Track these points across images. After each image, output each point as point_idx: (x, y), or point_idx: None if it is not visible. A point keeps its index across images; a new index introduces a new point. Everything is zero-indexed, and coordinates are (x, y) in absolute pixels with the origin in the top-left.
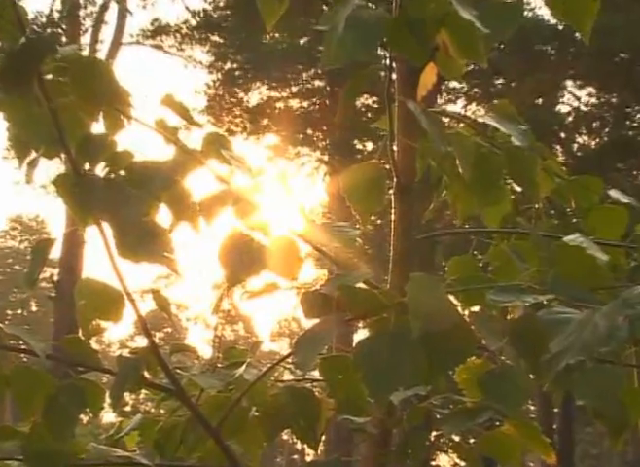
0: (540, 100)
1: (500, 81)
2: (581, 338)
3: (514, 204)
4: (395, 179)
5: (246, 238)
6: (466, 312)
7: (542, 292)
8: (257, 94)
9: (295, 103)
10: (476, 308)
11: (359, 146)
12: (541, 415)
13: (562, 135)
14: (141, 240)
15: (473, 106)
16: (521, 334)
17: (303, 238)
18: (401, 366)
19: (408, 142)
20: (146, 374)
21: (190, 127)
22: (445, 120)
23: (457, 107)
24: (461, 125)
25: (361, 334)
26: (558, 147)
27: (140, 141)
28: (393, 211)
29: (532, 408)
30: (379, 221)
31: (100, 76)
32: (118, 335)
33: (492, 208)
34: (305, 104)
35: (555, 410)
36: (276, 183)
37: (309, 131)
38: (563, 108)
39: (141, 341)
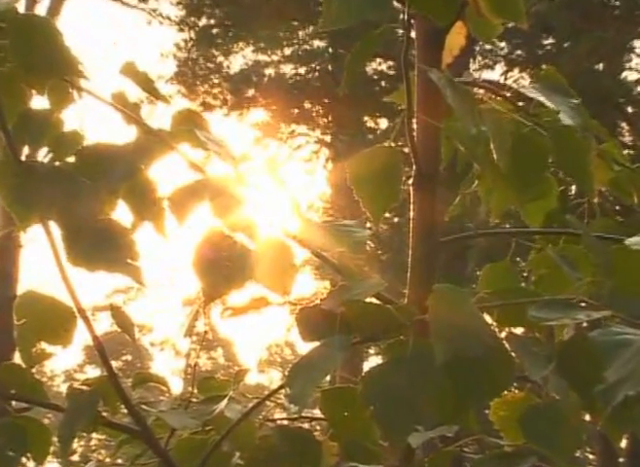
0: (600, 65)
1: (550, 41)
2: None
3: (561, 199)
4: (414, 167)
5: (227, 242)
6: (502, 334)
7: (597, 308)
8: (240, 58)
9: (288, 69)
10: (516, 329)
11: (370, 124)
12: (602, 466)
13: (629, 110)
14: (97, 244)
15: (515, 72)
16: (571, 360)
17: (299, 242)
18: (421, 400)
19: (430, 121)
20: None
21: (155, 102)
22: (479, 92)
23: (495, 74)
24: (498, 98)
25: (372, 361)
26: (624, 125)
27: (93, 120)
28: (412, 207)
29: (591, 456)
30: (395, 219)
31: (45, 38)
32: (63, 364)
33: (535, 203)
34: (302, 70)
35: (621, 459)
36: (265, 171)
37: (307, 105)
38: (630, 75)
39: (92, 373)
